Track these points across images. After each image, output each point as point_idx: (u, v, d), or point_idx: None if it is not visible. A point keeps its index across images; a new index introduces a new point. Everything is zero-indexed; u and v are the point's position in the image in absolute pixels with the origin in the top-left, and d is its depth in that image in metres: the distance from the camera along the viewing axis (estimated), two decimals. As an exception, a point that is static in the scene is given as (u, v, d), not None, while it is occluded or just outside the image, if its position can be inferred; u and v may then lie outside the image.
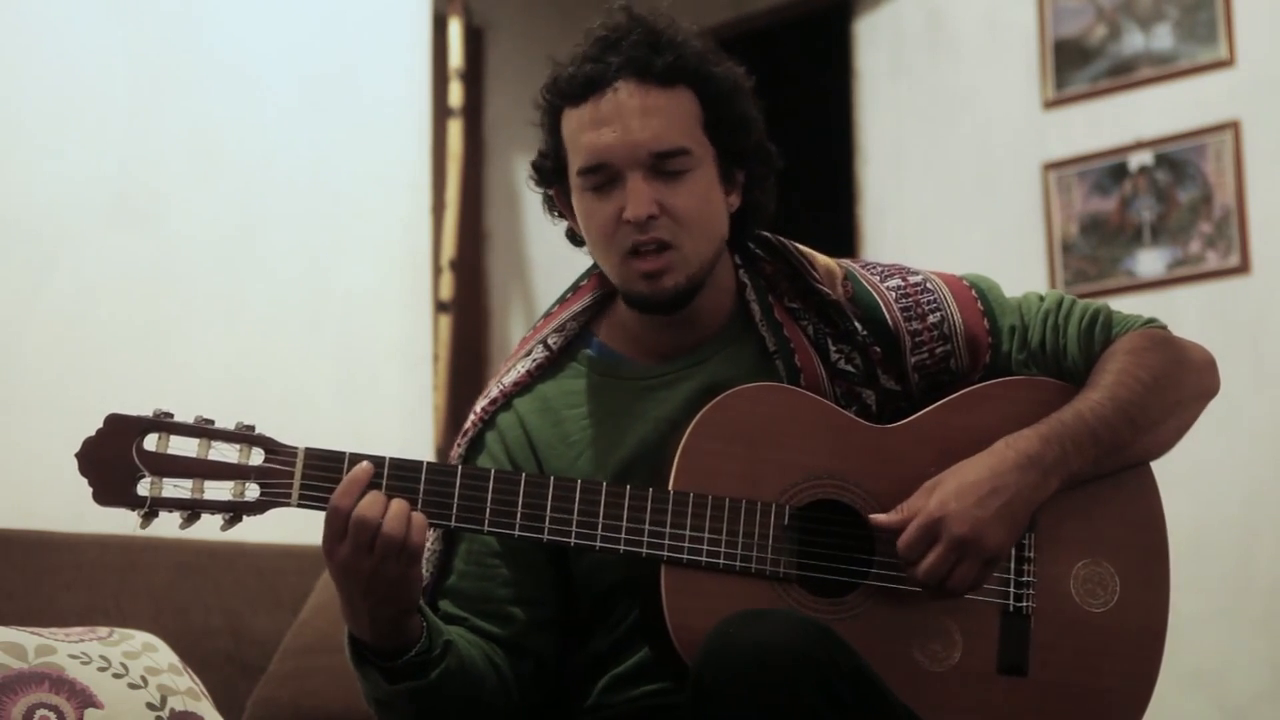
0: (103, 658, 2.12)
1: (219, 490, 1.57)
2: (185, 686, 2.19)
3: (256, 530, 3.07)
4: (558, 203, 1.84)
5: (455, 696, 1.66)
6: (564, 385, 1.83)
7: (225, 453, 1.58)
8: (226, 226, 3.20)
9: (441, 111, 4.22)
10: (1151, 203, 4.14)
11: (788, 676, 1.44)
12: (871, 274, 1.84)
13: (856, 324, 1.79)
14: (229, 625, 2.68)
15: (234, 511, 1.58)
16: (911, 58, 4.64)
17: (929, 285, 1.84)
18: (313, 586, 2.76)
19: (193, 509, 1.57)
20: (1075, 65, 4.29)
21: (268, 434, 1.60)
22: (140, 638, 2.23)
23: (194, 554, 2.72)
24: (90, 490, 1.55)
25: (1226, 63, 4.03)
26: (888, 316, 1.80)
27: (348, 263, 3.43)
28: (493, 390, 1.85)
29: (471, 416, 1.85)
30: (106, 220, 2.99)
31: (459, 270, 4.34)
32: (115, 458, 1.55)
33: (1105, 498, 1.78)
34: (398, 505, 1.56)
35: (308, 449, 1.59)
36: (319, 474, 1.59)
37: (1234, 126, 3.99)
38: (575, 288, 1.89)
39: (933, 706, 1.66)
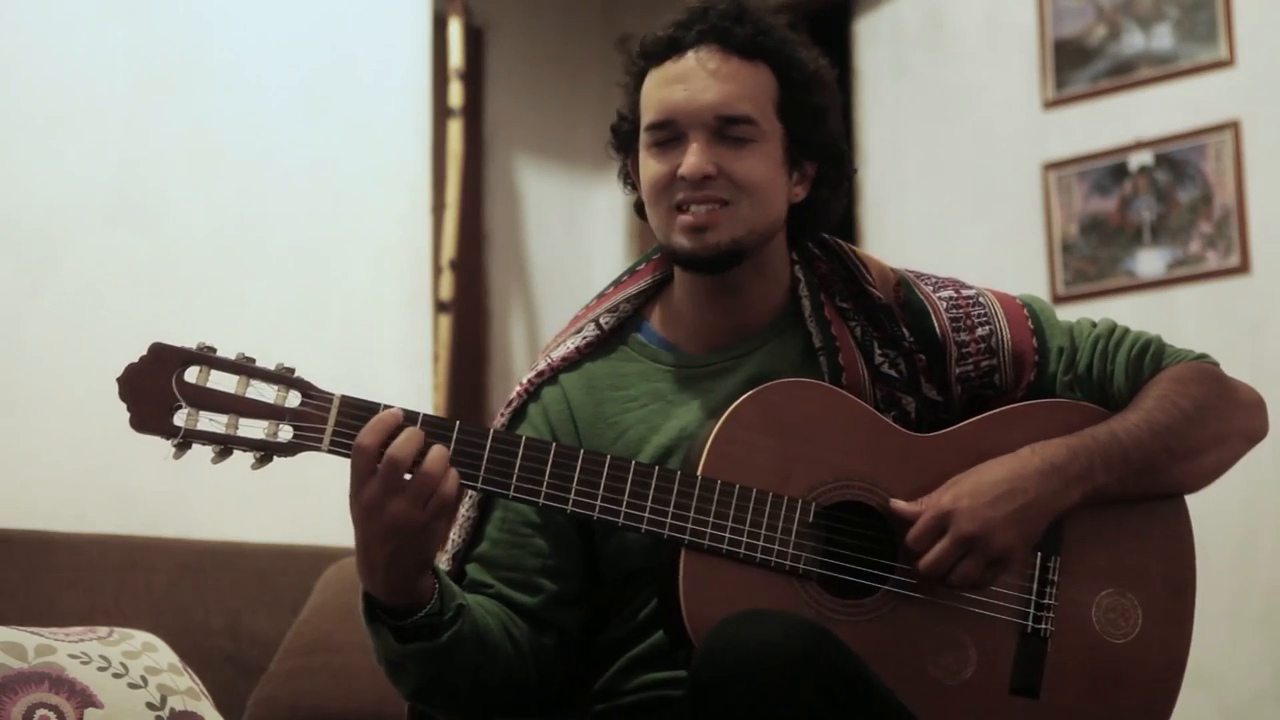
0: (103, 657, 2.12)
1: (253, 429, 1.58)
2: (185, 686, 2.19)
3: (256, 530, 3.07)
4: (631, 173, 1.86)
5: (465, 663, 1.66)
6: (611, 366, 1.84)
7: (263, 392, 1.59)
8: (226, 225, 3.20)
9: (441, 111, 4.22)
10: (1151, 203, 4.14)
11: (786, 677, 1.44)
12: (925, 284, 1.85)
13: (904, 330, 1.80)
14: (229, 625, 2.68)
15: (265, 450, 1.58)
16: (911, 57, 4.64)
17: (981, 300, 1.84)
18: (313, 586, 2.76)
19: (225, 444, 1.57)
20: (1075, 65, 4.29)
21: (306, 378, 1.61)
22: (140, 638, 2.23)
23: (194, 554, 2.72)
24: (127, 415, 1.56)
25: (1226, 63, 4.03)
26: (936, 325, 1.80)
27: (348, 263, 3.44)
28: (540, 364, 1.86)
29: (517, 388, 1.85)
30: (106, 219, 3.00)
31: (459, 270, 4.33)
32: (155, 386, 1.56)
33: (1137, 529, 1.78)
34: (438, 450, 1.57)
35: (344, 396, 1.60)
36: (352, 421, 1.59)
37: (1234, 126, 3.99)
38: (632, 270, 1.91)
39: (938, 719, 1.65)
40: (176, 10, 3.18)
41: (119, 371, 1.57)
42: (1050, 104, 4.31)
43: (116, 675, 2.10)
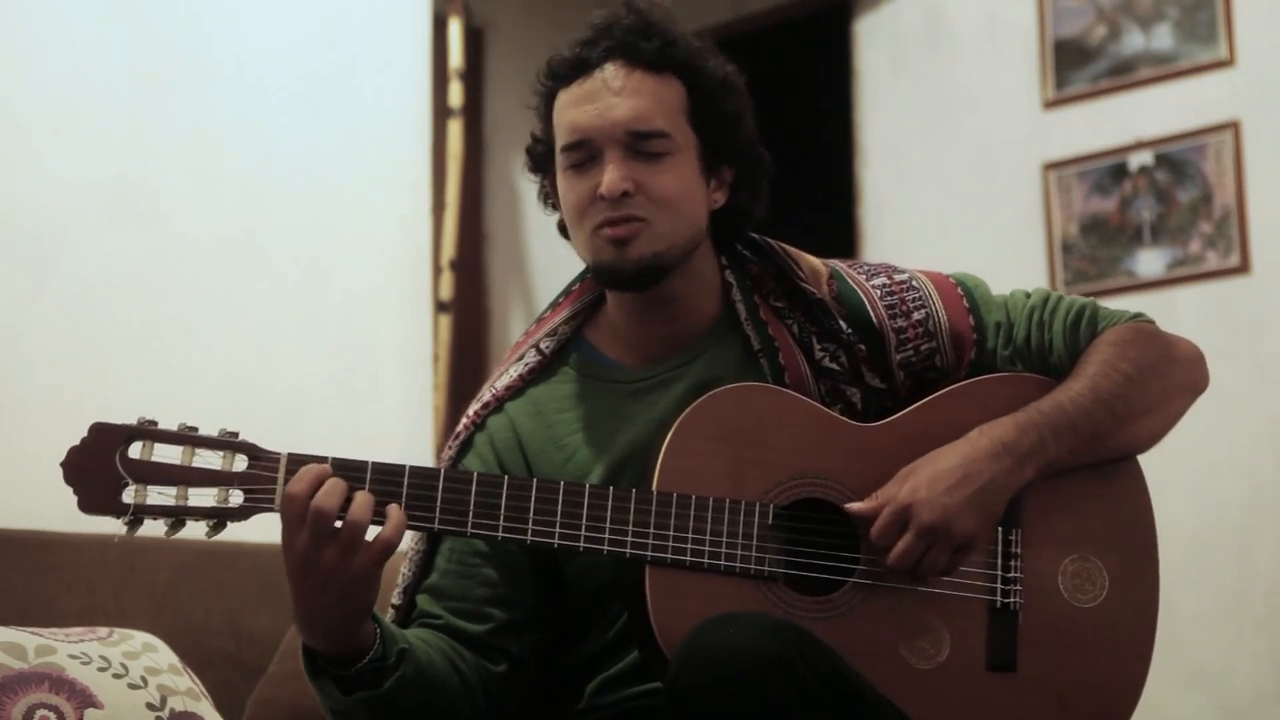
0: (103, 658, 2.12)
1: (203, 497, 1.57)
2: (185, 686, 2.19)
3: (257, 530, 3.07)
4: (550, 192, 1.86)
5: (413, 705, 1.65)
6: (555, 389, 1.84)
7: (209, 459, 1.58)
8: (226, 226, 3.20)
9: (441, 111, 4.22)
10: (1151, 203, 4.14)
11: (763, 679, 1.45)
12: (857, 273, 1.85)
13: (841, 322, 1.80)
14: (229, 625, 2.67)
15: (218, 518, 1.57)
16: (911, 58, 4.64)
17: (914, 283, 1.84)
18: (313, 586, 2.75)
19: (177, 516, 1.56)
20: (1075, 65, 4.29)
21: (252, 439, 1.59)
22: (140, 638, 2.23)
23: (194, 554, 2.72)
24: (75, 499, 1.55)
25: (1226, 63, 4.03)
26: (872, 314, 1.80)
27: (348, 263, 3.43)
28: (485, 394, 1.86)
29: (463, 420, 1.86)
30: (106, 220, 2.99)
31: (459, 270, 4.34)
32: (99, 466, 1.55)
33: (1093, 493, 1.79)
34: (361, 496, 1.56)
35: (290, 454, 1.59)
36: None
37: (1234, 126, 4.00)
38: (567, 292, 1.91)
39: (921, 704, 1.66)
40: (176, 11, 3.17)
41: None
42: (1050, 104, 4.31)
43: (116, 676, 2.10)
